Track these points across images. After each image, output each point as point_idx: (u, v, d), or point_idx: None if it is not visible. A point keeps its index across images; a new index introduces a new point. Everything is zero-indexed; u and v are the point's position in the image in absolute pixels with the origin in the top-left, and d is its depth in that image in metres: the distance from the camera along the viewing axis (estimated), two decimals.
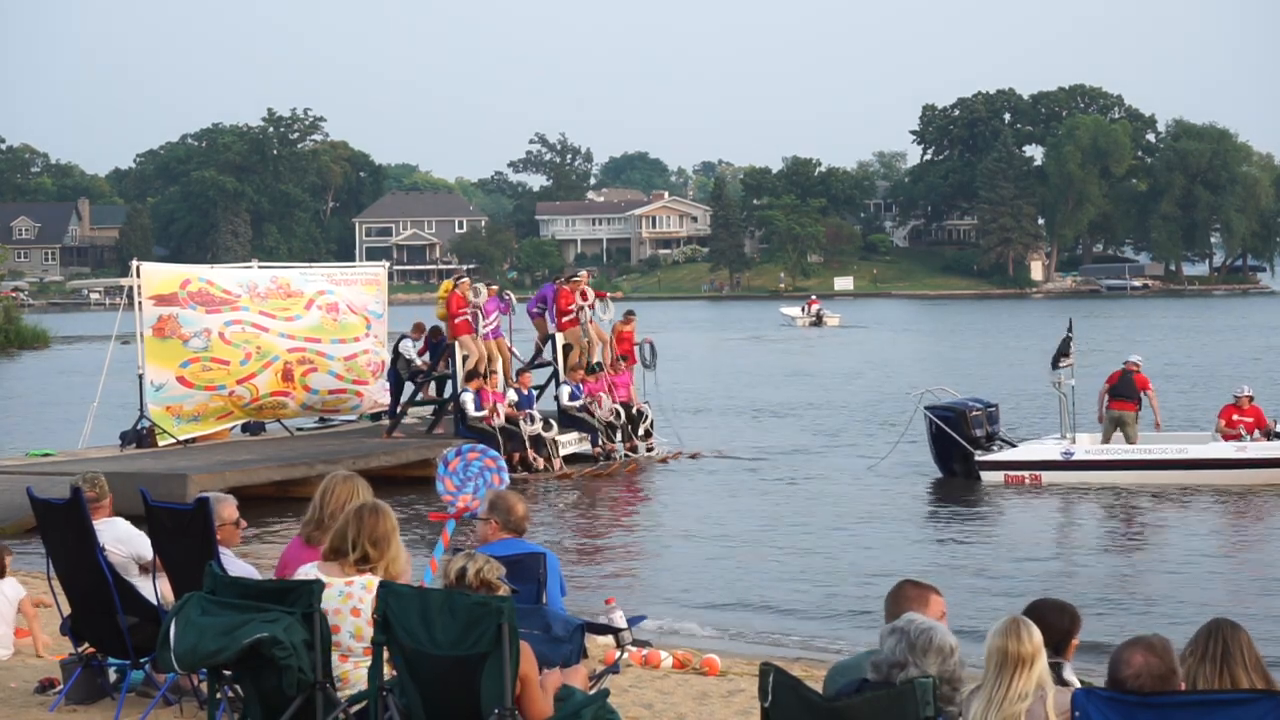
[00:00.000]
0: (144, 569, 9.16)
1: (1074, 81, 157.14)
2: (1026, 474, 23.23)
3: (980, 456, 23.64)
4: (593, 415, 26.25)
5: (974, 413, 24.14)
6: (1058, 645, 6.08)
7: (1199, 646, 5.62)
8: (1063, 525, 21.29)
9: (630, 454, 26.62)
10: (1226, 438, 23.05)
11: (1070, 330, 23.98)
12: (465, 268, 32.00)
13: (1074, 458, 23.19)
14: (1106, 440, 23.73)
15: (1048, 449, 23.65)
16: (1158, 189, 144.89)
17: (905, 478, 24.78)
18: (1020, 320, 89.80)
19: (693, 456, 27.53)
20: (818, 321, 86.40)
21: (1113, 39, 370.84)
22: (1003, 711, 5.31)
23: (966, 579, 16.81)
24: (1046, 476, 23.17)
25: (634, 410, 27.27)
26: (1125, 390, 23.77)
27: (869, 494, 23.53)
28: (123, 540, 9.27)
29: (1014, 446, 24.24)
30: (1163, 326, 79.19)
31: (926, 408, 24.71)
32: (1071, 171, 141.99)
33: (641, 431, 27.20)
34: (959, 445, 23.79)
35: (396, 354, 26.97)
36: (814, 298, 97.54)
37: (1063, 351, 23.70)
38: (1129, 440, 23.58)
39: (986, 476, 23.44)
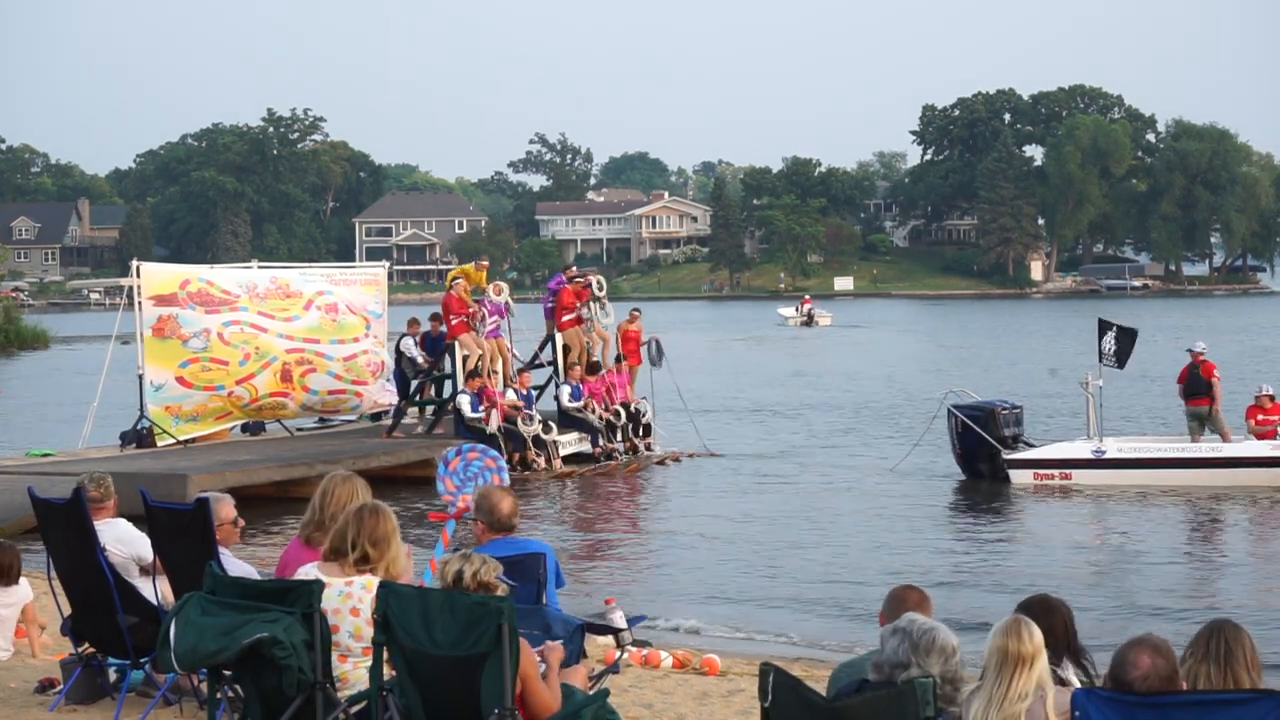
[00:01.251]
0: (144, 570, 9.15)
1: (1074, 81, 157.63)
2: (1057, 473, 22.86)
3: (1008, 455, 23.24)
4: (593, 412, 26.25)
5: (1003, 412, 23.82)
6: (1053, 645, 6.03)
7: (1199, 647, 5.61)
8: (1090, 526, 21.03)
9: (631, 454, 26.60)
10: (1259, 436, 22.85)
11: (1118, 329, 23.42)
12: (479, 260, 31.53)
13: (1106, 456, 22.77)
14: (1195, 439, 23.20)
15: (1078, 447, 23.21)
16: (1158, 189, 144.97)
17: (921, 478, 24.71)
18: (1020, 320, 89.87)
19: (691, 456, 27.51)
20: (809, 321, 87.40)
21: (1113, 39, 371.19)
22: (1003, 711, 5.30)
23: (985, 579, 16.82)
24: (1077, 476, 22.80)
25: (632, 409, 27.24)
26: (1196, 386, 23.37)
27: (872, 494, 23.51)
28: (124, 541, 9.26)
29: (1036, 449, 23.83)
30: (1165, 327, 79.13)
31: (953, 406, 24.33)
32: (1071, 171, 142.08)
33: (638, 430, 27.14)
34: (986, 445, 23.38)
35: (399, 354, 26.98)
36: (807, 297, 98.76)
37: (1123, 350, 23.21)
38: (1220, 435, 22.97)
39: (1015, 476, 23.06)
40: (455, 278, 26.24)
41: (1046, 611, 6.18)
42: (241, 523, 9.00)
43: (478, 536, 8.23)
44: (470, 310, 25.44)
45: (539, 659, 6.43)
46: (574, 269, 29.21)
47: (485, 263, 27.82)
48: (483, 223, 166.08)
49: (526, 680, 6.21)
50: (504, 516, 8.04)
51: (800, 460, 27.59)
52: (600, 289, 27.80)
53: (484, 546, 7.96)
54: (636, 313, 29.14)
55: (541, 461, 24.89)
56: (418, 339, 27.19)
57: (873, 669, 5.51)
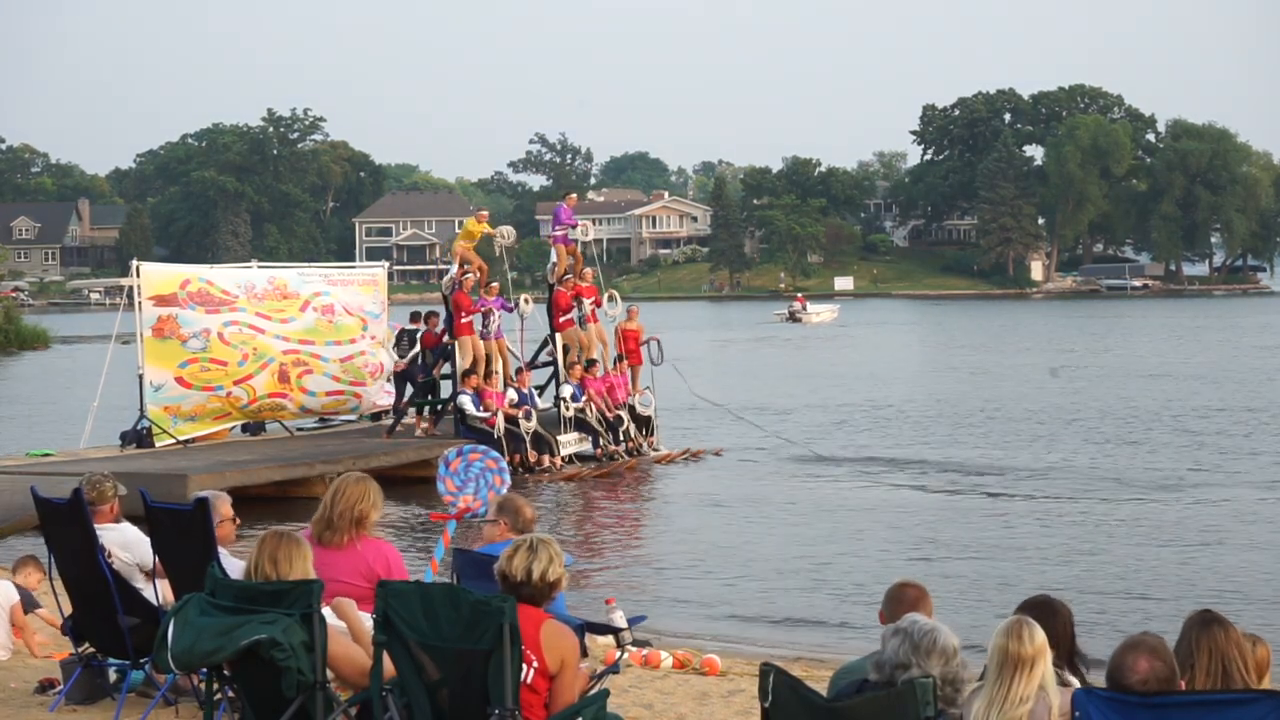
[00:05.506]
0: (148, 575, 9.10)
1: (1074, 81, 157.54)
2: None
3: None
4: (592, 414, 26.20)
5: None
6: (1053, 648, 5.98)
7: (1200, 669, 5.60)
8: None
9: (633, 453, 26.55)
10: None
11: None
12: (477, 212, 30.71)
13: None
14: None
15: None
16: (1158, 189, 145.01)
17: (906, 477, 24.71)
18: (1018, 320, 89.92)
19: (693, 456, 27.49)
20: (793, 318, 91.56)
21: (1113, 39, 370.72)
22: (1004, 714, 5.29)
23: (966, 585, 16.82)
24: None
25: (635, 406, 27.18)
26: None
27: (870, 494, 23.51)
28: (128, 546, 9.11)
29: None
30: (1167, 327, 79.19)
31: None
32: (1071, 171, 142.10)
33: (642, 429, 27.11)
34: None
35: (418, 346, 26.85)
36: (800, 296, 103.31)
37: None
38: None
39: None
40: (461, 258, 26.14)
41: (1047, 613, 6.12)
42: (238, 521, 8.99)
43: (492, 537, 8.29)
44: (477, 309, 25.44)
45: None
46: (574, 197, 29.03)
47: (484, 212, 27.64)
48: None
49: (565, 668, 6.21)
50: (527, 521, 8.40)
51: (799, 459, 27.58)
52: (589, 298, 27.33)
53: (493, 546, 7.99)
54: (634, 310, 29.05)
55: (545, 461, 24.87)
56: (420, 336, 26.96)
57: (873, 669, 5.51)
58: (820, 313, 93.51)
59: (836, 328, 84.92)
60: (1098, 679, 5.61)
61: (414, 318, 27.37)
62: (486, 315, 25.75)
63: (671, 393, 28.86)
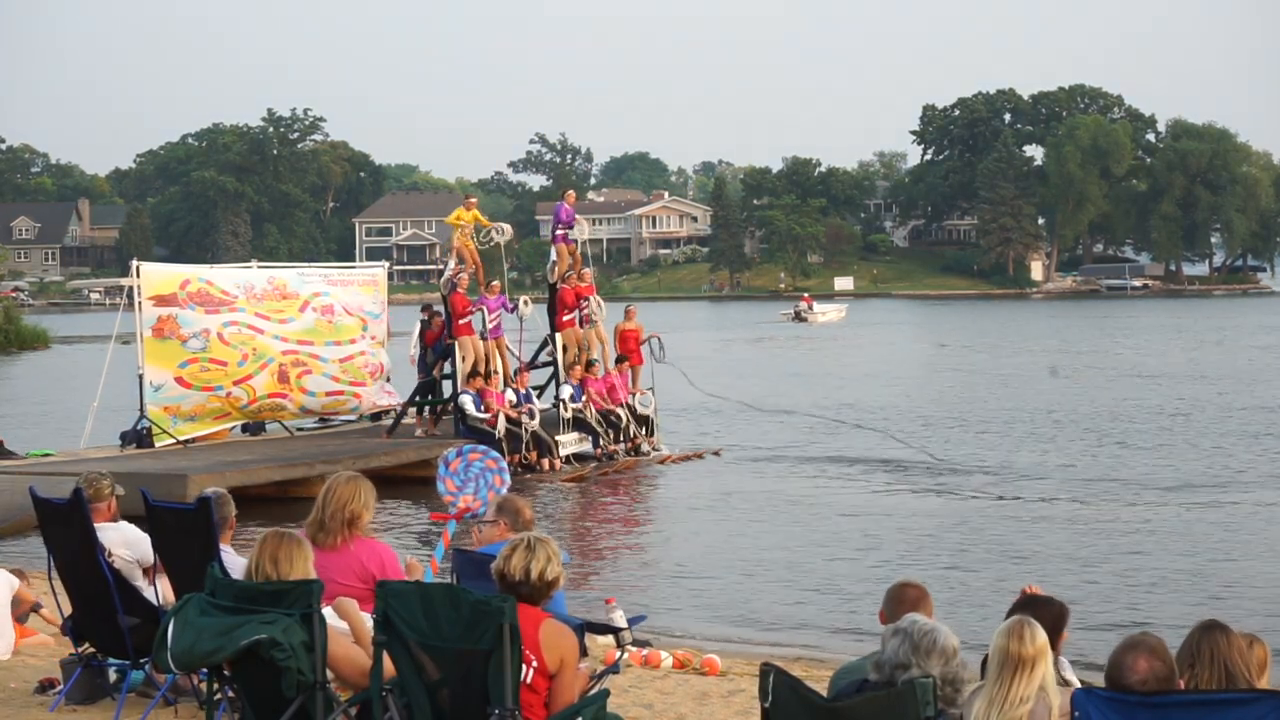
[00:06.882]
0: (148, 572, 9.10)
1: (1074, 81, 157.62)
2: None
3: None
4: (588, 415, 26.17)
5: None
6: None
7: (1202, 670, 5.61)
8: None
9: (633, 453, 26.55)
10: None
11: None
12: (466, 200, 30.36)
13: None
14: None
15: None
16: (1158, 189, 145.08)
17: (907, 478, 24.73)
18: (1020, 320, 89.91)
19: (697, 456, 27.49)
20: (799, 317, 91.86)
21: (1113, 39, 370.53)
22: (1004, 714, 5.29)
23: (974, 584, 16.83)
24: None
25: (636, 406, 27.17)
26: None
27: (871, 495, 23.51)
28: (130, 545, 9.13)
29: None
30: (1166, 327, 79.20)
31: None
32: (1071, 171, 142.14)
33: (643, 429, 27.11)
34: None
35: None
36: (806, 296, 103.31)
37: None
38: None
39: None
40: (456, 253, 26.09)
41: (1041, 605, 6.17)
42: (233, 524, 8.97)
43: (491, 538, 8.30)
44: (473, 310, 25.44)
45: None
46: (573, 194, 29.10)
47: (473, 199, 27.61)
48: None
49: (565, 667, 6.22)
50: (526, 522, 8.41)
51: (799, 459, 27.57)
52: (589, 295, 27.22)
53: (493, 546, 8.00)
54: (632, 310, 28.99)
55: (545, 463, 24.86)
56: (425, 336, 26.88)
57: (873, 669, 5.51)
58: (827, 312, 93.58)
59: (841, 328, 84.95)
60: (1090, 679, 5.62)
61: (425, 309, 27.19)
62: (480, 314, 25.69)
63: (672, 393, 28.84)
